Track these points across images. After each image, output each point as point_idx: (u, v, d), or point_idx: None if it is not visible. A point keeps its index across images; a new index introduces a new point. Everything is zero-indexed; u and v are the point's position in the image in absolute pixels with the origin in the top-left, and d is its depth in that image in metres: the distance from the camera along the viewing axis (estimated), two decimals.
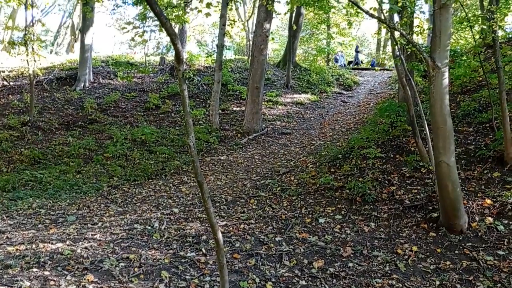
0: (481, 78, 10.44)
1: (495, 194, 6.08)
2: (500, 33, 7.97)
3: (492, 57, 9.95)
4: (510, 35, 12.27)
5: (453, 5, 5.43)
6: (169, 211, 7.04)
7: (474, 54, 8.61)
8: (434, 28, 5.15)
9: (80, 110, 14.67)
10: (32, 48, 13.01)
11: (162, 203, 7.74)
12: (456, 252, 5.18)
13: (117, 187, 9.02)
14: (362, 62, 27.93)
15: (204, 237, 5.75)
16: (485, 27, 6.86)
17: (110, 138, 12.49)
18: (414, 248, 5.31)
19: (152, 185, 9.23)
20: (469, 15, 8.53)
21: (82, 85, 16.64)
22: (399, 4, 6.71)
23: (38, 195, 8.23)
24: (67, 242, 5.25)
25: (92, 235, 5.67)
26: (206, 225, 6.19)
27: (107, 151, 11.30)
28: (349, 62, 27.79)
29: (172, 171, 10.29)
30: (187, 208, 7.26)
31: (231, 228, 6.15)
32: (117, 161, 10.79)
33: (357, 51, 28.22)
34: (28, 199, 7.83)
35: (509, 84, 8.63)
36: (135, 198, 8.17)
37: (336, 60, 27.14)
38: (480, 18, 7.56)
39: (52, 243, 5.20)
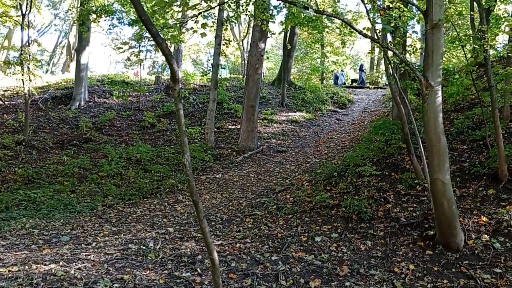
0: (474, 96, 10.56)
1: (490, 212, 6.08)
2: (491, 52, 8.10)
3: (484, 76, 10.10)
4: (501, 54, 12.46)
5: (444, 25, 5.52)
6: (164, 231, 6.98)
7: (467, 72, 8.72)
8: (427, 47, 5.23)
9: (75, 129, 14.66)
10: (28, 68, 13.06)
11: (157, 222, 7.68)
12: (453, 270, 5.15)
13: (111, 207, 8.95)
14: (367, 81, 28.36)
15: (199, 256, 5.70)
16: (476, 46, 6.97)
17: (105, 157, 12.45)
18: (411, 267, 5.27)
19: (147, 204, 9.16)
20: (461, 34, 8.67)
21: (78, 104, 16.68)
22: (392, 24, 6.81)
23: (32, 215, 8.14)
24: (61, 263, 5.18)
25: (86, 255, 5.60)
26: (202, 244, 6.13)
27: (102, 170, 11.23)
28: (353, 81, 28.32)
29: (167, 190, 10.24)
30: (182, 227, 7.20)
31: (226, 248, 6.09)
32: (112, 180, 10.73)
33: (361, 70, 28.60)
34: (21, 219, 7.73)
35: (501, 102, 8.73)
36: (130, 218, 8.10)
37: (336, 78, 27.54)
38: (471, 37, 7.69)
39: (45, 264, 5.12)
